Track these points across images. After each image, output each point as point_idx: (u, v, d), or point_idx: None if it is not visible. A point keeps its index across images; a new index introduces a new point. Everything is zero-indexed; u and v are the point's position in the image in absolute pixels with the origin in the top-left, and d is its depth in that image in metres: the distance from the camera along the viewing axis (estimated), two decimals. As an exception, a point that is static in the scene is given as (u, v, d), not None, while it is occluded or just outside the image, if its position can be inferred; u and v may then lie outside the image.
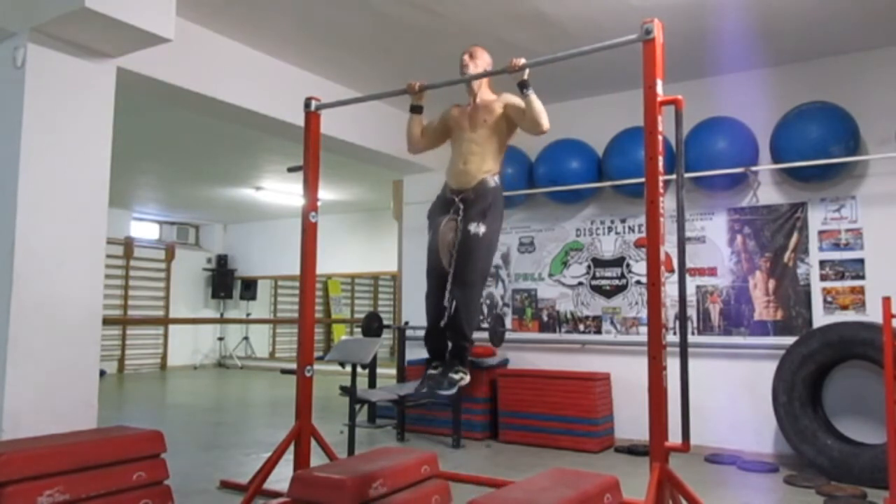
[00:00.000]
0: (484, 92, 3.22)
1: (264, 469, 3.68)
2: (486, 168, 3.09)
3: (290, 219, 11.51)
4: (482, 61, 3.23)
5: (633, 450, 5.16)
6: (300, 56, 5.05)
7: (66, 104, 3.57)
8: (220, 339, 13.19)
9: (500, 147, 3.16)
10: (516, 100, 3.10)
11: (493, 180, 3.10)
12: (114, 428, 3.59)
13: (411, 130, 3.37)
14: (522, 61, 3.05)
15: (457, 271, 3.00)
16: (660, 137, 2.81)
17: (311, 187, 3.95)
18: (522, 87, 3.07)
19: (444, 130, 3.31)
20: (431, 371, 3.12)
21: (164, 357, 12.27)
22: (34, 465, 2.87)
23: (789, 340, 4.71)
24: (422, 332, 6.59)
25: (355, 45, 4.84)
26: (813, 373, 4.50)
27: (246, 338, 13.11)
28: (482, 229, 3.00)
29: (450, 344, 3.12)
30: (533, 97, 3.02)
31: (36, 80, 3.44)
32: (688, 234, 5.02)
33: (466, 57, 3.23)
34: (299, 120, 4.12)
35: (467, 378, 3.10)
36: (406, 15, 4.32)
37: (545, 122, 3.03)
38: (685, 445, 2.65)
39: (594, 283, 5.82)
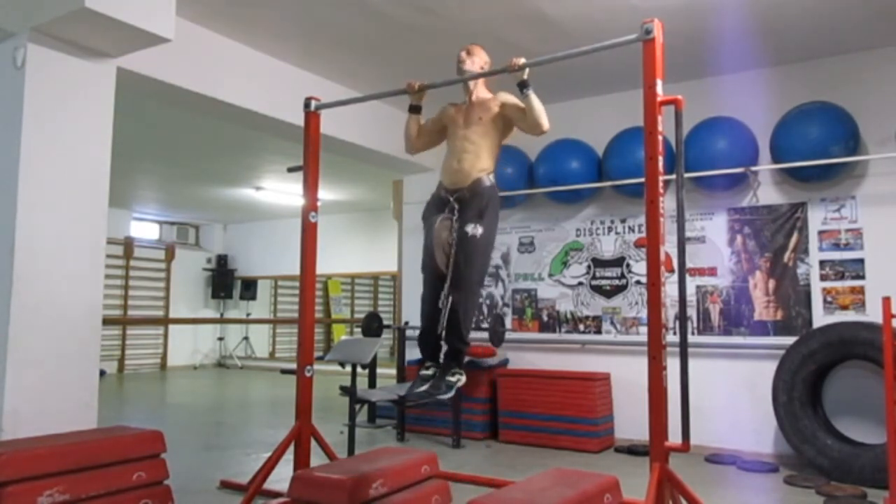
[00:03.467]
0: (480, 90, 3.21)
1: (264, 469, 3.68)
2: (481, 166, 3.06)
3: (290, 219, 11.52)
4: (479, 58, 3.22)
5: (633, 450, 5.16)
6: (300, 56, 5.05)
7: (66, 104, 3.57)
8: (220, 339, 13.19)
9: (494, 145, 3.13)
10: (514, 100, 3.09)
11: (489, 179, 3.08)
12: (114, 428, 3.59)
13: (409, 130, 3.35)
14: (522, 61, 3.05)
15: (455, 274, 2.97)
16: (660, 137, 2.81)
17: (311, 187, 3.95)
18: (522, 86, 3.06)
19: (440, 129, 3.29)
20: (425, 372, 3.06)
21: (164, 357, 12.27)
22: (34, 465, 2.87)
23: (789, 340, 4.71)
24: (422, 332, 6.52)
25: (355, 45, 4.84)
26: (813, 373, 4.50)
27: (246, 338, 13.11)
28: (479, 230, 2.97)
29: (444, 346, 3.07)
30: (533, 97, 3.01)
31: (36, 80, 3.44)
32: (688, 234, 5.02)
33: (464, 54, 3.21)
34: (299, 120, 4.12)
35: (464, 379, 3.07)
36: (406, 15, 4.33)
37: (545, 122, 3.03)
38: (685, 445, 2.65)
39: (594, 283, 5.82)
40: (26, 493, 2.83)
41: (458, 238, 2.97)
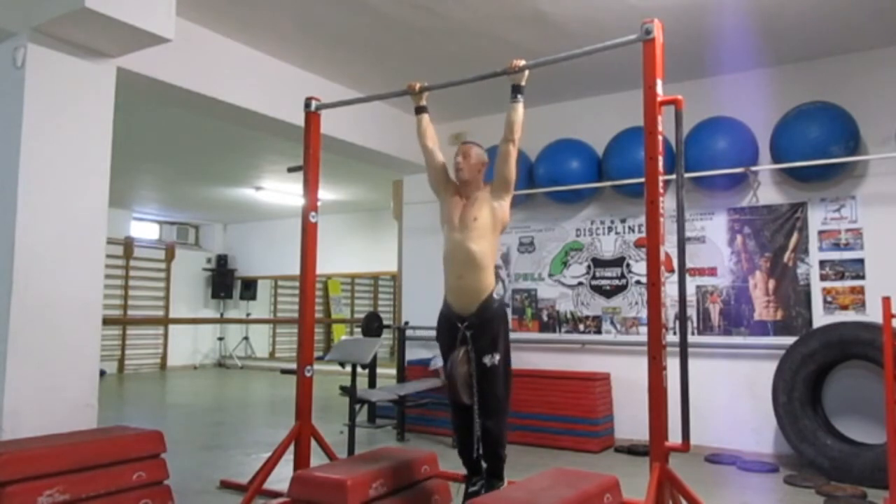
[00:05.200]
0: (475, 189, 3.26)
1: (264, 469, 3.68)
2: (483, 285, 3.13)
3: (290, 219, 11.52)
4: (474, 158, 3.27)
5: (633, 450, 5.16)
6: (300, 56, 5.05)
7: (66, 104, 3.57)
8: (220, 339, 13.19)
9: (492, 248, 3.20)
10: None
11: (495, 300, 3.17)
12: (114, 428, 3.59)
13: (420, 129, 3.41)
14: (522, 63, 3.06)
15: (482, 404, 3.09)
16: (660, 137, 2.81)
17: (311, 187, 3.96)
18: (515, 91, 3.09)
19: (440, 185, 3.37)
20: (473, 489, 3.20)
21: (164, 357, 12.27)
22: (34, 465, 2.88)
23: (789, 340, 4.71)
24: (422, 333, 6.57)
25: (355, 45, 4.84)
26: (813, 373, 4.49)
27: (246, 338, 13.11)
28: (497, 358, 3.10)
29: (485, 464, 3.22)
30: (519, 106, 3.09)
31: (36, 80, 3.44)
32: (688, 234, 5.01)
33: (460, 159, 3.26)
34: (299, 120, 4.12)
35: (505, 484, 3.23)
36: (406, 15, 4.32)
37: (518, 132, 3.10)
38: (685, 445, 2.65)
39: (594, 283, 5.82)
40: (26, 493, 2.83)
41: (477, 371, 3.09)
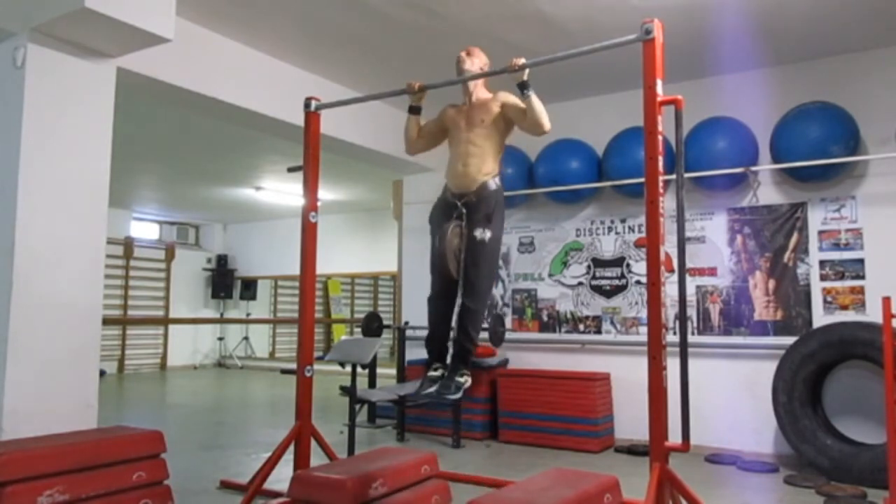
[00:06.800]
0: (480, 91, 3.23)
1: (264, 469, 3.68)
2: (486, 170, 3.09)
3: (290, 219, 11.52)
4: (479, 59, 3.25)
5: (633, 450, 5.16)
6: (300, 56, 5.06)
7: (66, 104, 3.57)
8: (220, 339, 13.19)
9: (498, 146, 3.16)
10: (515, 99, 3.10)
11: (495, 182, 3.11)
12: (114, 428, 3.59)
13: (409, 132, 3.38)
14: (522, 61, 3.05)
15: (465, 279, 3.02)
16: (660, 137, 2.81)
17: (311, 187, 3.95)
18: (522, 87, 3.06)
19: (441, 131, 3.32)
20: (433, 373, 3.11)
21: (164, 357, 12.27)
22: (34, 465, 2.87)
23: (789, 340, 4.71)
24: (422, 333, 6.56)
25: (355, 45, 4.84)
26: (813, 373, 4.50)
27: (246, 338, 13.11)
28: (487, 234, 3.02)
29: (453, 347, 3.11)
30: (533, 98, 3.02)
31: (36, 80, 3.44)
32: (688, 234, 5.02)
33: (463, 54, 3.25)
34: (299, 120, 4.12)
35: (470, 380, 3.13)
36: (406, 15, 4.33)
37: (546, 122, 3.04)
38: (685, 445, 2.65)
39: (594, 283, 5.82)
40: (26, 493, 2.83)
41: (467, 243, 3.02)
